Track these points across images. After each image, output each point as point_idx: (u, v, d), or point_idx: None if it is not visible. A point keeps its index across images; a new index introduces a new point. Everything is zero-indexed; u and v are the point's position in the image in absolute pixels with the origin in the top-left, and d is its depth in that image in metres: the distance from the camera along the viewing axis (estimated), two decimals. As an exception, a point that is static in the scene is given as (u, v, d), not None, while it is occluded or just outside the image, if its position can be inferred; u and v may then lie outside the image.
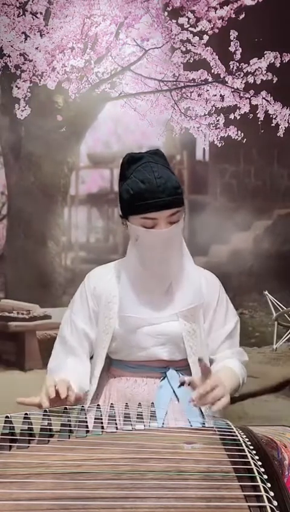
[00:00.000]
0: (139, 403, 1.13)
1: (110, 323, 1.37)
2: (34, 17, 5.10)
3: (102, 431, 0.97)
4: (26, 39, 5.06)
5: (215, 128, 5.55)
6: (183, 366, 1.37)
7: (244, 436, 0.92)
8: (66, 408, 1.04)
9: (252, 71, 5.28)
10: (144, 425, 1.00)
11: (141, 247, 1.34)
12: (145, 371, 1.37)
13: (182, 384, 1.16)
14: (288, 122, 5.41)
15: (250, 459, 0.81)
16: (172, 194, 1.28)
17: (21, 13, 5.08)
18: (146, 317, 1.34)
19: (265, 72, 5.25)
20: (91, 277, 1.47)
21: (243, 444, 0.87)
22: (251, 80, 5.31)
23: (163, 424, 1.09)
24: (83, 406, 1.07)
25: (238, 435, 0.92)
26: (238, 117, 5.43)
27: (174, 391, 1.33)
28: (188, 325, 1.36)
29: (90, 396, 1.36)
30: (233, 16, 5.30)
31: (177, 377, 1.33)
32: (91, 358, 1.42)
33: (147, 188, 1.27)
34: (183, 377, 1.18)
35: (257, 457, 0.82)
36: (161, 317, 1.35)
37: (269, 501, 0.71)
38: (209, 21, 5.26)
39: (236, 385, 1.35)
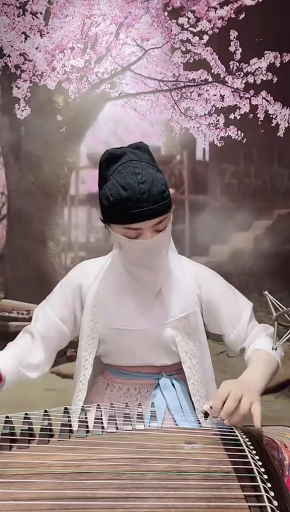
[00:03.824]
0: (139, 403, 1.13)
1: (96, 327, 1.29)
2: (34, 17, 5.10)
3: (102, 431, 0.96)
4: (26, 39, 5.07)
5: (215, 128, 5.56)
6: (176, 370, 1.31)
7: (245, 436, 0.92)
8: (66, 408, 1.04)
9: (252, 71, 5.28)
10: (144, 425, 1.00)
11: (125, 255, 1.23)
12: (137, 378, 1.30)
13: (206, 415, 1.02)
14: (288, 122, 5.41)
15: (250, 459, 0.81)
16: (158, 201, 1.12)
17: (21, 13, 5.08)
18: (134, 329, 1.25)
19: (265, 72, 5.26)
20: (77, 273, 1.36)
21: (243, 444, 0.87)
22: (251, 80, 5.31)
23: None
24: (83, 406, 1.07)
25: (238, 435, 0.92)
26: (238, 117, 5.43)
27: (165, 400, 1.26)
28: (182, 329, 1.28)
29: (82, 402, 1.29)
30: (233, 16, 5.30)
31: (170, 385, 1.28)
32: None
33: (128, 195, 1.10)
34: (202, 407, 1.04)
35: (257, 457, 0.82)
36: (150, 328, 1.26)
37: (270, 501, 0.71)
38: (209, 21, 5.26)
39: (273, 365, 1.26)
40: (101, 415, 1.00)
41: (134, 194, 1.10)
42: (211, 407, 1.00)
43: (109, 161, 1.17)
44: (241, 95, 5.38)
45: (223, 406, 0.98)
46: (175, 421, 1.22)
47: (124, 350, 1.29)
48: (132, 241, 1.16)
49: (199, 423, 1.18)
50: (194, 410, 1.27)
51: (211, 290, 1.33)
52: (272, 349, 1.29)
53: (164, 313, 1.27)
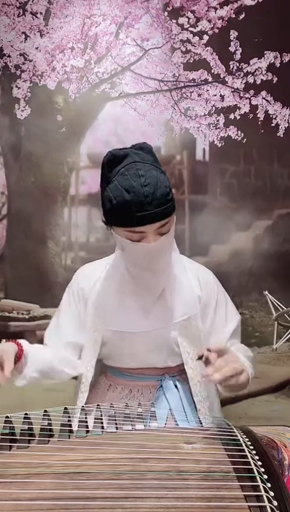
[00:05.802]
0: (139, 403, 1.13)
1: (98, 329, 1.28)
2: (34, 17, 5.11)
3: (102, 431, 0.96)
4: (26, 39, 5.07)
5: (216, 128, 5.56)
6: (179, 372, 1.31)
7: (244, 436, 0.92)
8: (65, 408, 1.04)
9: (252, 71, 5.28)
10: (144, 425, 1.00)
11: (127, 258, 1.21)
12: (139, 379, 1.30)
13: (200, 357, 1.04)
14: (288, 122, 5.42)
15: (250, 459, 0.81)
16: (162, 204, 1.10)
17: (21, 13, 5.08)
18: (135, 331, 1.25)
19: (265, 72, 5.26)
20: (79, 277, 1.35)
21: (243, 444, 0.87)
22: (251, 80, 5.31)
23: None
24: (83, 406, 1.06)
25: (238, 435, 0.92)
26: (238, 117, 5.43)
27: (168, 402, 1.25)
28: (184, 330, 1.27)
29: (83, 402, 1.29)
30: (233, 16, 5.31)
31: (173, 387, 1.28)
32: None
33: (132, 198, 1.08)
34: (201, 352, 1.06)
35: (257, 457, 0.82)
36: (152, 330, 1.25)
37: (269, 501, 0.71)
38: (209, 21, 5.26)
39: (246, 380, 1.26)
40: (101, 415, 1.00)
41: (138, 197, 1.09)
42: (207, 358, 1.03)
43: (112, 162, 1.14)
44: (241, 95, 5.38)
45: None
46: (177, 424, 1.22)
47: (126, 352, 1.28)
48: (134, 244, 1.14)
49: (201, 424, 1.19)
50: (197, 411, 1.27)
51: (209, 295, 1.33)
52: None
53: (165, 316, 1.26)
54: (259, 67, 5.25)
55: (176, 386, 1.30)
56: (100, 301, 1.29)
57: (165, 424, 1.05)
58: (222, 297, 1.36)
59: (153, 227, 1.12)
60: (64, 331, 1.32)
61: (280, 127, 5.42)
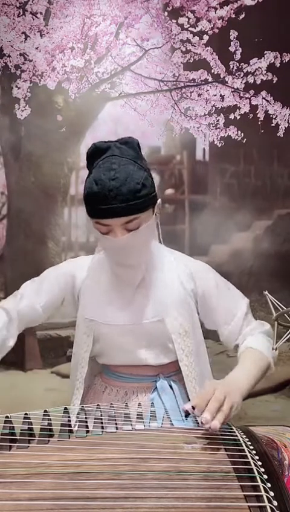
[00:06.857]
0: (139, 403, 1.13)
1: (90, 325, 1.28)
2: (34, 17, 5.10)
3: (102, 431, 0.96)
4: (26, 39, 5.06)
5: (215, 128, 5.55)
6: (174, 370, 1.29)
7: (244, 436, 0.92)
8: (65, 408, 1.04)
9: (252, 71, 5.28)
10: (144, 425, 1.00)
11: (103, 250, 1.26)
12: (134, 381, 1.29)
13: (187, 414, 0.98)
14: (288, 122, 5.41)
15: (250, 459, 0.81)
16: (127, 199, 1.10)
17: (21, 13, 5.08)
18: (120, 324, 1.24)
19: (265, 72, 5.25)
20: (73, 265, 1.36)
21: (243, 444, 0.87)
22: (251, 80, 5.31)
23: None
24: (82, 406, 1.06)
25: (238, 435, 0.92)
26: (238, 117, 5.43)
27: (164, 404, 1.24)
28: (178, 325, 1.25)
29: (79, 400, 1.29)
30: (233, 16, 5.30)
31: (168, 388, 1.27)
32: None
33: (98, 191, 1.11)
34: (184, 406, 0.98)
35: (257, 457, 0.82)
36: (136, 323, 1.25)
37: (269, 501, 0.71)
38: (209, 21, 5.25)
39: (263, 365, 1.21)
40: (101, 415, 1.00)
41: (103, 190, 1.10)
42: (193, 407, 0.95)
43: (94, 154, 1.17)
44: (241, 95, 5.38)
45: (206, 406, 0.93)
46: (173, 424, 1.22)
47: (117, 348, 1.28)
48: (104, 236, 1.17)
49: (197, 423, 1.18)
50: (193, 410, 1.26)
51: (205, 285, 1.30)
52: (272, 349, 1.28)
53: (147, 310, 1.25)
54: (259, 67, 5.24)
55: (171, 387, 1.29)
56: (89, 295, 1.29)
57: (161, 424, 1.05)
58: (223, 285, 1.33)
59: (118, 222, 1.13)
60: (35, 301, 1.31)
61: (280, 127, 5.41)
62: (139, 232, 1.16)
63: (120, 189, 1.10)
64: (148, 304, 1.25)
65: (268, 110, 5.39)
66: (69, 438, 0.94)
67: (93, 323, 1.28)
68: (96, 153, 1.16)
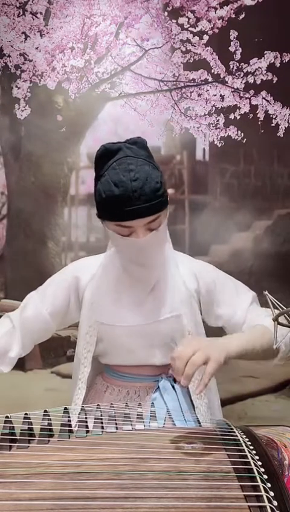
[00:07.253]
0: (139, 403, 1.13)
1: (94, 324, 1.27)
2: (34, 17, 5.10)
3: (102, 431, 0.96)
4: (26, 39, 5.06)
5: (215, 128, 5.55)
6: None
7: (244, 436, 0.92)
8: (65, 408, 1.04)
9: (252, 71, 5.27)
10: (144, 425, 1.00)
11: (119, 252, 1.23)
12: (136, 381, 1.28)
13: (174, 380, 0.99)
14: (288, 122, 5.41)
15: (250, 459, 0.81)
16: (150, 199, 1.10)
17: (21, 13, 5.08)
18: (128, 325, 1.24)
19: (265, 72, 5.25)
20: (77, 266, 1.35)
21: (243, 444, 0.87)
22: (251, 80, 5.30)
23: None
24: (83, 406, 1.07)
25: (238, 435, 0.92)
26: (238, 117, 5.43)
27: (166, 404, 1.24)
28: (181, 325, 1.25)
29: (81, 400, 1.28)
30: (233, 16, 5.30)
31: (170, 388, 1.27)
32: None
33: (120, 193, 1.09)
34: (170, 371, 0.98)
35: (257, 457, 0.82)
36: (143, 324, 1.24)
37: (269, 501, 0.71)
38: (209, 21, 5.25)
39: (264, 337, 1.18)
40: (101, 415, 1.00)
41: (126, 191, 1.09)
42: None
43: (104, 156, 1.16)
44: (241, 95, 5.38)
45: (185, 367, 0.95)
46: (175, 425, 1.21)
47: (121, 348, 1.27)
48: (124, 238, 1.15)
49: (199, 423, 1.18)
50: (194, 410, 1.26)
51: (209, 282, 1.31)
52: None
53: (157, 310, 1.25)
54: (259, 67, 5.24)
55: (173, 387, 1.29)
56: (96, 297, 1.28)
57: (163, 424, 1.05)
58: (227, 280, 1.33)
59: (141, 222, 1.13)
60: (40, 308, 1.31)
61: (280, 127, 5.41)
62: (159, 230, 1.16)
63: (143, 189, 1.10)
64: (162, 302, 1.25)
65: (268, 110, 5.39)
66: (69, 438, 0.94)
67: (99, 324, 1.27)
68: (106, 154, 1.15)
